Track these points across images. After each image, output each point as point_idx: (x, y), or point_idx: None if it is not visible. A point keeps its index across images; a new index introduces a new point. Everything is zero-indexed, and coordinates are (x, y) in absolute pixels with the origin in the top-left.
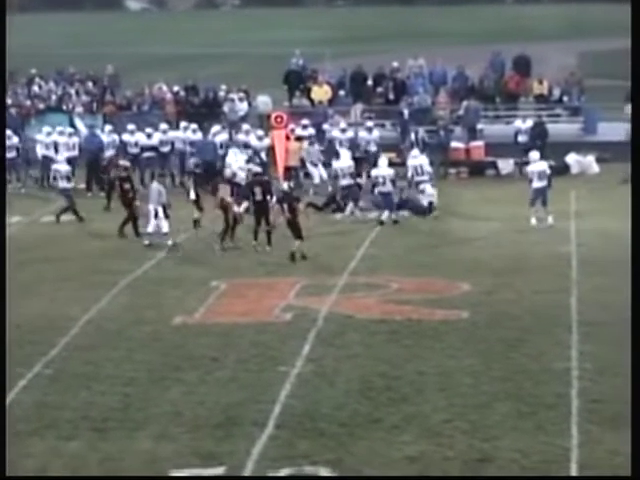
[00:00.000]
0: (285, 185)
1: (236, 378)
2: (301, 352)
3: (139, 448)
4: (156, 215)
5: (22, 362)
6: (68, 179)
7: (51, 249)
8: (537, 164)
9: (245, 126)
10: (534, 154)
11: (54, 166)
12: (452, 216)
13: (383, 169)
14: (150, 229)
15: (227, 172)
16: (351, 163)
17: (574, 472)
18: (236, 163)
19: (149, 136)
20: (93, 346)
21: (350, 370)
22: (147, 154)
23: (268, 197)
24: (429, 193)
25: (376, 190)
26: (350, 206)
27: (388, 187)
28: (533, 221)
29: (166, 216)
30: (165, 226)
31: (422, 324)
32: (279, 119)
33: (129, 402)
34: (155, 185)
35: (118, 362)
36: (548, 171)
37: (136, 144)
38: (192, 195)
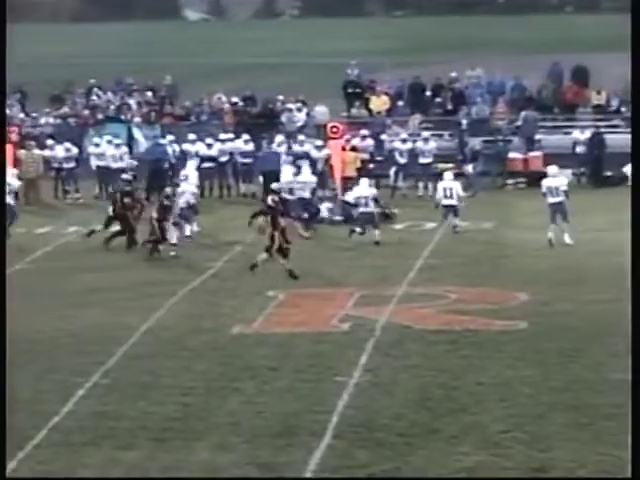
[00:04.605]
0: (270, 199)
1: (294, 388)
2: (358, 362)
3: (198, 458)
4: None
5: (79, 372)
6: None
7: (106, 259)
8: (552, 179)
9: (300, 136)
10: (552, 169)
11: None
12: (510, 227)
13: (364, 189)
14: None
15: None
16: (290, 179)
17: None
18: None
19: (209, 146)
20: (151, 355)
21: (408, 380)
22: (207, 164)
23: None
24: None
25: (359, 210)
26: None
27: (370, 207)
28: (549, 235)
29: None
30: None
31: (481, 334)
32: (335, 129)
33: (188, 412)
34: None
35: (176, 372)
36: (564, 187)
37: (196, 154)
38: None
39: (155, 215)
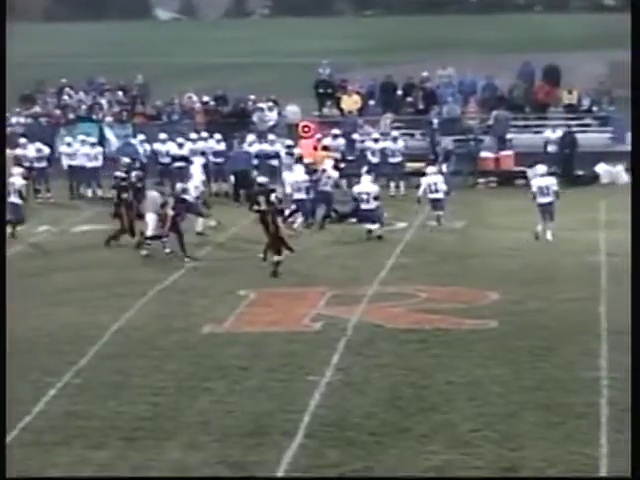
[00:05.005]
0: (273, 196)
1: (265, 387)
2: (330, 361)
3: (168, 457)
4: None
5: (51, 371)
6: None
7: (78, 258)
8: (540, 179)
9: (271, 136)
10: (540, 168)
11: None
12: (481, 226)
13: (366, 185)
14: None
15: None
16: (305, 177)
17: None
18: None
19: (180, 146)
20: (122, 355)
21: (379, 379)
22: (178, 164)
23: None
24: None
25: (360, 206)
26: (300, 220)
27: (372, 204)
28: (538, 228)
29: None
30: None
31: (451, 333)
32: (306, 129)
33: (158, 411)
34: None
35: (147, 371)
36: (555, 187)
37: (167, 154)
38: None
39: (171, 212)
